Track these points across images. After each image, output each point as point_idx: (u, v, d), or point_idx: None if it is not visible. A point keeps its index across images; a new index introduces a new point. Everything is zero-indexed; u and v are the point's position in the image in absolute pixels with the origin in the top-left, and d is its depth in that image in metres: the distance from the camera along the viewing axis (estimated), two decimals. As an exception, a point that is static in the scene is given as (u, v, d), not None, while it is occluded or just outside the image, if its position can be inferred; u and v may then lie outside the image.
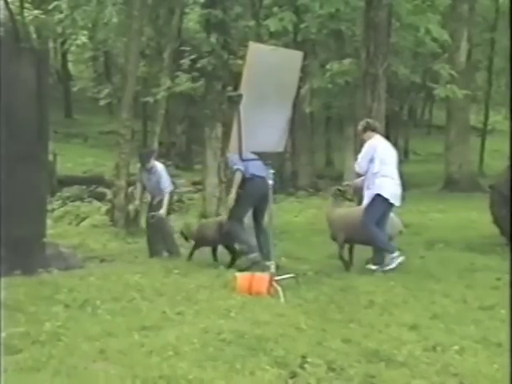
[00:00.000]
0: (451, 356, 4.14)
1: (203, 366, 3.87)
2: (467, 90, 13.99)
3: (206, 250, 7.85)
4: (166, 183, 8.34)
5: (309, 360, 3.95)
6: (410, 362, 4.00)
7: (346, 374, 3.83)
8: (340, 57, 14.79)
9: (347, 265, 7.23)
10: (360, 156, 7.12)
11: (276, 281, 5.87)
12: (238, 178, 7.20)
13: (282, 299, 5.60)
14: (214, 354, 4.08)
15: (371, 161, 6.98)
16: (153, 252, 8.31)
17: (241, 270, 6.62)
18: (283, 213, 12.57)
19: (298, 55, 6.83)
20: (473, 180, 18.45)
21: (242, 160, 6.74)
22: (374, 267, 7.02)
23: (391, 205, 7.03)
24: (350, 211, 7.54)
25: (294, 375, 3.79)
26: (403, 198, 7.29)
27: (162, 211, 8.21)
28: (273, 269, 5.98)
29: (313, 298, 5.69)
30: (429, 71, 15.62)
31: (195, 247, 7.84)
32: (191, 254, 7.79)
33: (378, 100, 10.14)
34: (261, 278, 5.93)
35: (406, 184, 7.73)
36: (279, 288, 5.75)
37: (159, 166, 8.55)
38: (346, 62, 13.57)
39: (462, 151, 18.57)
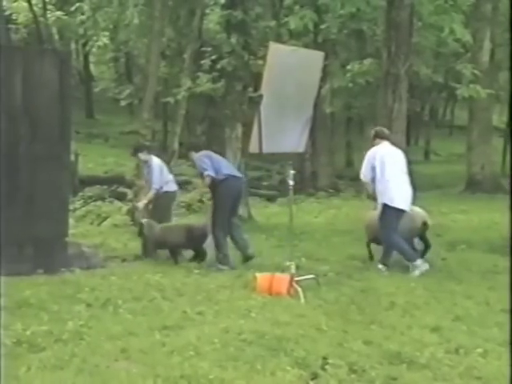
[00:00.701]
0: (474, 359, 4.10)
1: (224, 365, 3.88)
2: (490, 90, 13.82)
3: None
4: (156, 179, 8.18)
5: (330, 361, 3.94)
6: (433, 365, 3.98)
7: (367, 375, 3.81)
8: (361, 57, 14.72)
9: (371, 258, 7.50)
10: (363, 165, 7.22)
11: (296, 281, 5.86)
12: (207, 183, 7.33)
13: (303, 300, 5.59)
14: (234, 354, 4.09)
15: (373, 168, 7.07)
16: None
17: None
18: (303, 213, 12.54)
19: (318, 55, 6.84)
20: (495, 181, 18.23)
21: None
22: (379, 266, 7.10)
23: (401, 210, 7.06)
24: (375, 213, 7.55)
25: (315, 376, 3.79)
26: (413, 200, 7.31)
27: (140, 203, 8.20)
28: (293, 269, 5.98)
29: (333, 299, 5.67)
30: (451, 71, 15.48)
31: (155, 248, 7.73)
32: (149, 254, 7.68)
33: (400, 100, 10.07)
34: (281, 279, 5.93)
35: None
36: (299, 289, 5.74)
37: (155, 161, 8.39)
38: (367, 62, 13.50)
39: (485, 152, 18.36)
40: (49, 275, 6.44)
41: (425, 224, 7.28)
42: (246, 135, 9.46)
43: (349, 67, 13.78)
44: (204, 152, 7.75)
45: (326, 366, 3.88)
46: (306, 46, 15.69)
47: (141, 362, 3.95)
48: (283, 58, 6.10)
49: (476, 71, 11.95)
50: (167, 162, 10.26)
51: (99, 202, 13.24)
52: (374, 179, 7.09)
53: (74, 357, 3.98)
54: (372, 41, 16.83)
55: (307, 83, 6.47)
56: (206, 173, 7.33)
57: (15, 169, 7.08)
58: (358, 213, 8.57)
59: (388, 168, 7.02)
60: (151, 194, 8.16)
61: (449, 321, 5.03)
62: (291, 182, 6.33)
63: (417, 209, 7.41)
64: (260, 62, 11.37)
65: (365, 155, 7.25)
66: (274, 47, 6.29)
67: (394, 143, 7.48)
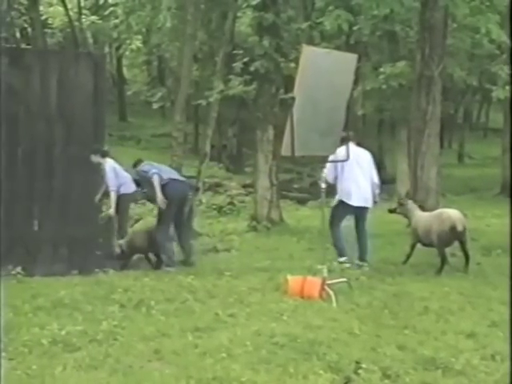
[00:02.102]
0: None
1: (256, 368, 3.88)
2: (526, 92, 13.54)
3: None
4: (110, 181, 8.11)
5: (363, 366, 3.90)
6: (468, 371, 3.91)
7: (401, 381, 3.76)
8: (393, 59, 14.58)
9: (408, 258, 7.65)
10: (327, 166, 7.53)
11: (328, 285, 5.83)
12: (156, 180, 7.60)
13: (335, 303, 5.55)
14: (266, 356, 4.08)
15: (335, 168, 7.46)
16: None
17: None
18: (334, 216, 12.46)
19: (352, 58, 6.75)
20: (531, 184, 17.84)
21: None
22: (358, 262, 7.44)
23: (359, 208, 7.55)
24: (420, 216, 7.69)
25: (348, 381, 3.75)
26: (375, 200, 7.87)
27: (110, 210, 8.13)
28: (325, 273, 5.94)
29: (366, 303, 5.62)
30: (486, 73, 15.23)
31: (129, 256, 7.84)
32: (125, 265, 7.73)
33: (433, 103, 9.95)
34: (313, 282, 5.90)
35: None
36: (331, 292, 5.71)
37: (108, 164, 8.24)
38: (400, 64, 13.37)
39: (520, 155, 17.99)
40: (83, 276, 6.54)
41: (453, 229, 7.01)
42: (278, 138, 9.46)
43: (382, 69, 13.65)
44: (146, 162, 8.16)
45: (359, 371, 3.85)
46: (338, 48, 15.60)
47: (173, 363, 3.98)
48: (317, 60, 6.04)
49: (512, 73, 11.74)
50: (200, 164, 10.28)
51: (132, 204, 13.35)
52: (336, 178, 7.51)
53: (108, 357, 4.04)
54: (405, 43, 16.63)
55: (340, 86, 6.40)
56: (151, 172, 7.63)
57: (50, 170, 7.21)
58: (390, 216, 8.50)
59: (347, 167, 7.40)
60: (112, 197, 8.11)
61: (484, 327, 4.94)
62: (323, 185, 6.31)
63: (450, 212, 7.28)
64: (292, 64, 11.33)
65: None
66: (307, 49, 6.21)
67: (359, 144, 8.02)
